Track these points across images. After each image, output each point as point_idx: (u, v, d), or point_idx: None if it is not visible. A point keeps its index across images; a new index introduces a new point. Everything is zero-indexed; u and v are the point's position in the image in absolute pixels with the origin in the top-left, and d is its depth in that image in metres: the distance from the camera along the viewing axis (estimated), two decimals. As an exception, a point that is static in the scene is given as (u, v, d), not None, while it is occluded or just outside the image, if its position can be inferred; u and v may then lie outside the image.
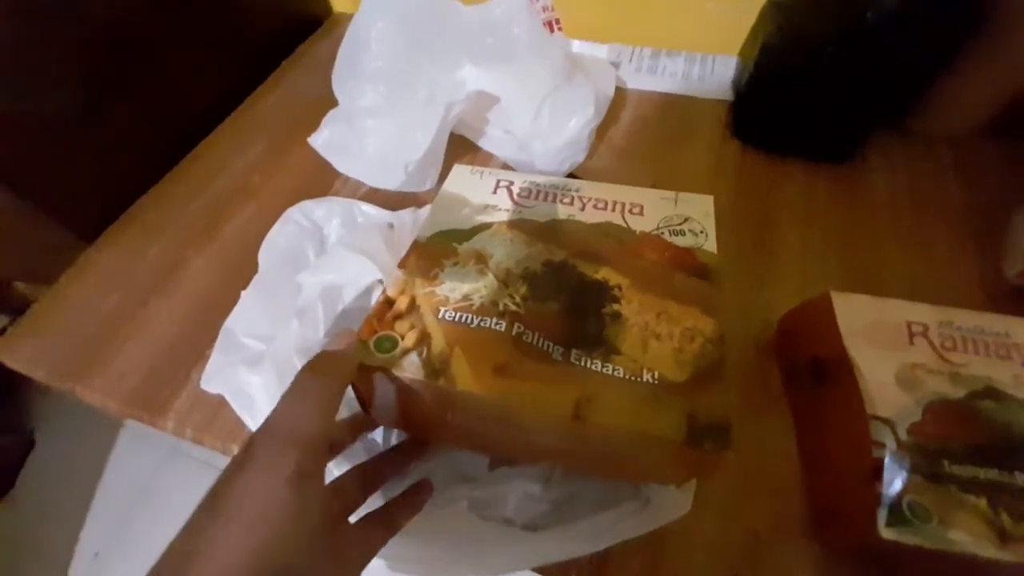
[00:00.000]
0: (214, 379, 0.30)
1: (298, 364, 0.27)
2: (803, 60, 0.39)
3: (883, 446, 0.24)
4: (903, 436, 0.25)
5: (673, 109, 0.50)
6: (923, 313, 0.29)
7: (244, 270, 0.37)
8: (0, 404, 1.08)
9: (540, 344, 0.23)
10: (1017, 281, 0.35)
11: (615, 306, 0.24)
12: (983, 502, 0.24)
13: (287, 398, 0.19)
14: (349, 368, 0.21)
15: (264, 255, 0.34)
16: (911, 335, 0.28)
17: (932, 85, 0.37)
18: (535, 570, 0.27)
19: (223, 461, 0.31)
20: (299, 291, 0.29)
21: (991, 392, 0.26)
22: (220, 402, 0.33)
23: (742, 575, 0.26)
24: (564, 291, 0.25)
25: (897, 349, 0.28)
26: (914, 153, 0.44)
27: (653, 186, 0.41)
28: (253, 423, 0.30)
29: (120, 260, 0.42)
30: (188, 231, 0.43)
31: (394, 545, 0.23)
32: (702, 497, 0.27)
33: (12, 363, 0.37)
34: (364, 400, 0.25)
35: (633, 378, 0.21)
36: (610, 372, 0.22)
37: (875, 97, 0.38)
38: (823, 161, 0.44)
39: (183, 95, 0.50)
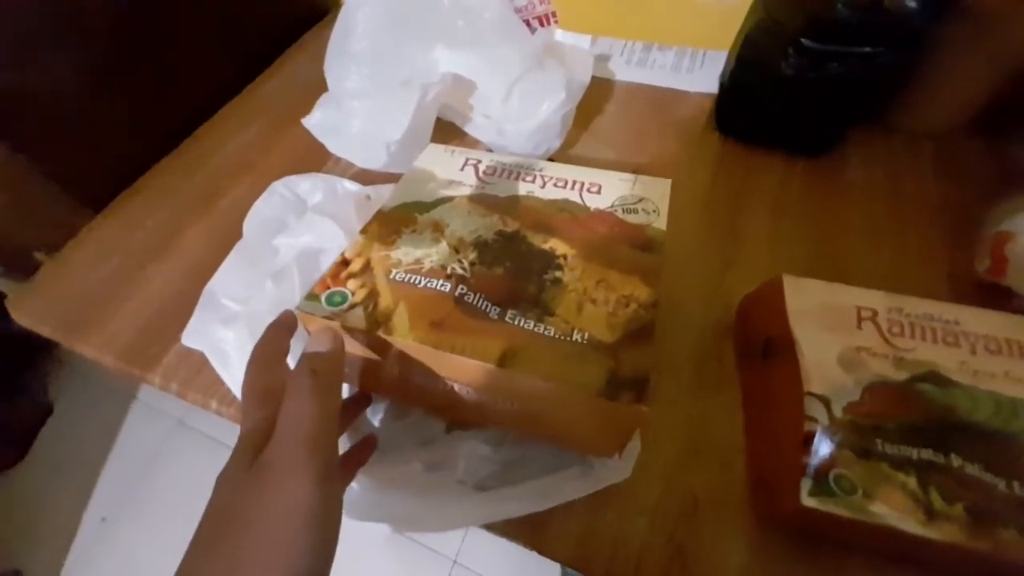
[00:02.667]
0: (193, 335, 0.32)
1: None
2: (781, 54, 0.40)
3: (815, 421, 0.25)
4: (838, 413, 0.25)
5: (659, 101, 0.51)
6: (874, 299, 0.29)
7: (234, 239, 0.39)
8: (21, 373, 1.13)
9: (479, 304, 0.24)
10: (985, 276, 0.35)
11: (557, 273, 0.25)
12: (912, 480, 0.24)
13: (292, 402, 0.19)
14: (340, 362, 0.22)
15: (248, 223, 0.36)
16: (859, 319, 0.29)
17: (909, 80, 0.37)
18: (485, 527, 0.29)
19: (227, 435, 0.33)
20: (276, 254, 0.31)
21: (934, 376, 0.26)
22: (203, 360, 0.35)
23: (677, 538, 0.27)
24: (511, 258, 0.26)
25: (844, 332, 0.28)
26: (894, 148, 0.44)
27: (631, 173, 0.43)
28: (227, 377, 0.32)
29: (122, 228, 0.45)
30: (186, 203, 0.46)
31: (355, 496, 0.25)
32: (649, 465, 0.28)
33: (19, 319, 0.40)
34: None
35: (563, 337, 0.23)
36: (541, 331, 0.23)
37: (851, 92, 0.38)
38: (800, 154, 0.44)
39: (191, 78, 0.53)
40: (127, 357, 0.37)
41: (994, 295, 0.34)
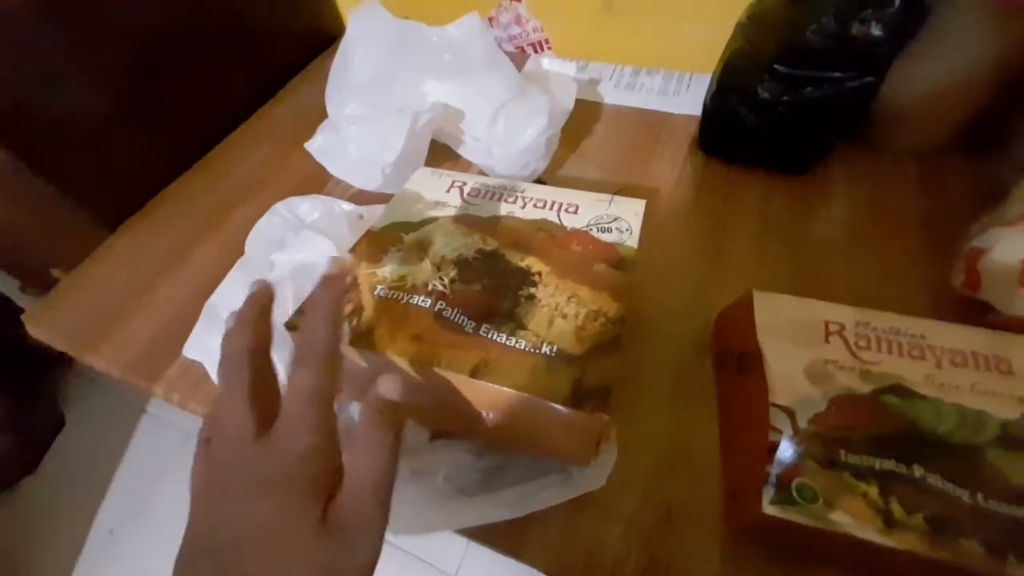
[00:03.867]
0: (194, 348, 0.34)
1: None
2: (757, 79, 0.42)
3: (779, 431, 0.26)
4: (803, 424, 0.26)
5: (646, 124, 0.53)
6: (842, 313, 0.30)
7: (240, 256, 0.42)
8: (36, 384, 1.17)
9: (456, 319, 0.26)
10: (962, 291, 0.36)
11: (531, 289, 0.27)
12: (874, 489, 0.25)
13: (371, 459, 0.18)
14: (332, 394, 0.20)
15: (250, 241, 0.39)
16: (827, 333, 0.30)
17: (873, 101, 0.39)
18: (464, 532, 0.30)
19: None
20: (272, 268, 0.33)
21: (899, 389, 0.27)
22: (204, 373, 0.37)
23: (651, 548, 0.28)
24: (489, 275, 0.28)
25: (811, 346, 0.29)
26: (878, 166, 0.45)
27: (615, 192, 0.44)
28: None
29: (135, 247, 0.48)
30: (196, 224, 0.49)
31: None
32: (627, 475, 0.29)
33: (35, 333, 0.43)
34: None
35: (533, 350, 0.24)
36: (512, 344, 0.24)
37: (824, 114, 0.40)
38: (782, 172, 0.45)
39: (204, 104, 0.56)
40: (133, 368, 0.39)
41: (971, 309, 0.34)
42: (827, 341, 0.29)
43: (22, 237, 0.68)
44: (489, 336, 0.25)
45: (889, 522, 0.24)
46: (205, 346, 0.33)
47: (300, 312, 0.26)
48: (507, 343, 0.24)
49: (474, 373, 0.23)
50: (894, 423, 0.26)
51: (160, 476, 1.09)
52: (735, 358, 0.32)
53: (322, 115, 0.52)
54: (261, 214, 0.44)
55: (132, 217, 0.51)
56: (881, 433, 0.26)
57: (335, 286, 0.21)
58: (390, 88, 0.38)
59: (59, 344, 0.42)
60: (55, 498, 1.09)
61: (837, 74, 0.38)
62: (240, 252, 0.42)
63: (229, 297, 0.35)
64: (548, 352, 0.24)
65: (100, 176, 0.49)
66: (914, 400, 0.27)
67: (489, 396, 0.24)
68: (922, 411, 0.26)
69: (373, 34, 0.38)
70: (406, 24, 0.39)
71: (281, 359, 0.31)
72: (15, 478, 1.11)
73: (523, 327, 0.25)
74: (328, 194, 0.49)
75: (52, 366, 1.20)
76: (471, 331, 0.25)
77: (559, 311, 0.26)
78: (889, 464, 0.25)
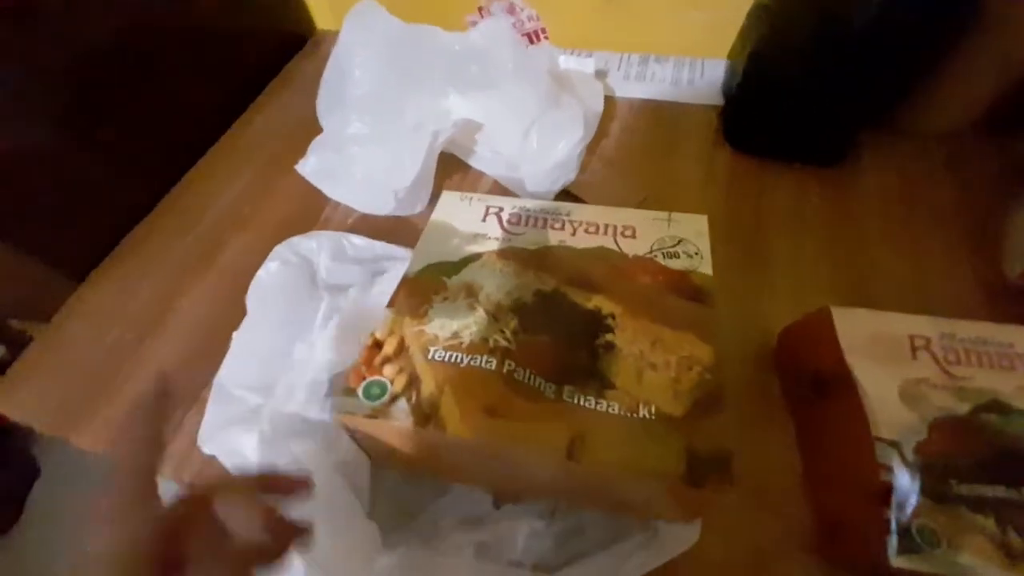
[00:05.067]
0: (209, 440, 0.30)
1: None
2: (790, 65, 0.39)
3: (890, 469, 0.24)
4: (910, 456, 0.24)
5: (663, 116, 0.50)
6: (924, 326, 0.28)
7: (238, 304, 0.36)
8: (8, 435, 1.07)
9: (531, 381, 0.22)
10: (1019, 282, 0.35)
11: (608, 336, 0.24)
12: (991, 521, 0.23)
13: None
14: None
15: (252, 298, 0.34)
16: (913, 349, 0.28)
17: (920, 85, 0.37)
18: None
19: None
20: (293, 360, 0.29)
21: (996, 405, 0.25)
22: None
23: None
24: (555, 322, 0.25)
25: (900, 364, 0.27)
26: (905, 152, 0.44)
27: (645, 198, 0.41)
28: None
29: (113, 297, 0.42)
30: (180, 266, 0.43)
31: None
32: (707, 519, 0.27)
33: (12, 413, 0.37)
34: (362, 445, 0.25)
35: (629, 414, 0.21)
36: (604, 409, 0.21)
37: (862, 99, 0.38)
38: (814, 164, 0.43)
39: (170, 120, 0.49)
40: (132, 446, 0.34)
41: (1029, 299, 0.33)
42: (914, 357, 0.27)
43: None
44: (575, 400, 0.21)
45: (1011, 554, 0.22)
46: (222, 439, 0.29)
47: (347, 392, 0.22)
48: (598, 408, 0.21)
49: (570, 452, 0.20)
50: (996, 443, 0.25)
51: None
52: (809, 379, 0.30)
53: (307, 128, 0.46)
54: (255, 249, 0.39)
55: (103, 263, 0.44)
56: (985, 456, 0.25)
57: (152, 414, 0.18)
58: (401, 101, 0.33)
59: (38, 425, 0.36)
60: (44, 550, 1.02)
61: (880, 62, 0.35)
62: (237, 296, 0.37)
63: (238, 371, 0.30)
64: (647, 415, 0.21)
65: (56, 221, 0.42)
66: (1012, 416, 0.25)
67: (585, 473, 0.20)
68: (1022, 427, 0.25)
69: (373, 39, 0.33)
70: (416, 29, 0.33)
71: (305, 452, 0.27)
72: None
73: (611, 385, 0.22)
74: (327, 221, 0.44)
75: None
76: (551, 396, 0.22)
77: (646, 361, 0.23)
78: (999, 490, 0.24)
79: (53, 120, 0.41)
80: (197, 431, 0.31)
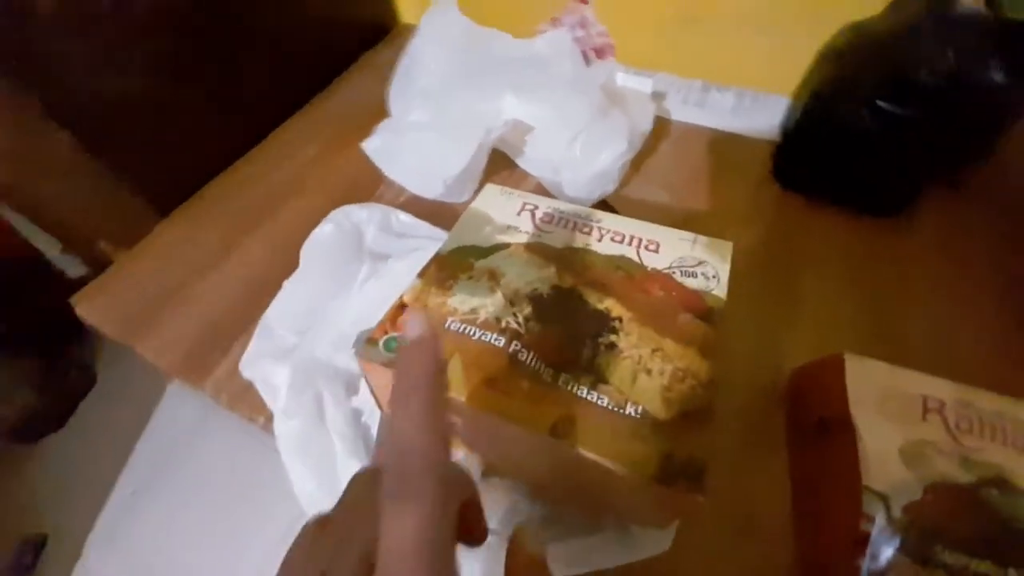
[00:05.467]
0: (249, 367, 0.33)
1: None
2: (853, 110, 0.39)
3: (872, 520, 0.24)
4: (897, 513, 0.24)
5: (716, 145, 0.50)
6: (942, 389, 0.28)
7: (290, 257, 0.41)
8: (70, 341, 1.20)
9: (533, 364, 0.24)
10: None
11: (612, 337, 0.25)
12: (971, 594, 0.23)
13: (388, 544, 0.13)
14: (449, 537, 0.14)
15: (306, 252, 0.38)
16: (925, 410, 0.27)
17: (992, 148, 0.36)
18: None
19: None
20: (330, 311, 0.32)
21: (1001, 482, 0.25)
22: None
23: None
24: (565, 316, 0.26)
25: (907, 422, 0.27)
26: (970, 215, 0.42)
27: (683, 220, 0.42)
28: (273, 407, 0.33)
29: (186, 235, 0.48)
30: (246, 216, 0.48)
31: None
32: (687, 539, 0.27)
33: (85, 316, 0.43)
34: (375, 395, 0.28)
35: (616, 409, 0.22)
36: (594, 400, 0.23)
37: (926, 155, 0.37)
38: (867, 212, 0.42)
39: (257, 92, 0.55)
40: (181, 365, 0.39)
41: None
42: (924, 419, 0.27)
43: (75, 212, 0.69)
44: (569, 388, 0.23)
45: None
46: (259, 366, 0.32)
47: (370, 342, 0.25)
48: (588, 398, 0.23)
49: (554, 431, 0.22)
50: (992, 519, 0.24)
51: (184, 441, 1.11)
52: (814, 421, 0.30)
53: (376, 112, 0.50)
54: (311, 212, 0.43)
55: (183, 204, 0.50)
56: (979, 530, 0.24)
57: (427, 352, 0.16)
58: (461, 97, 0.36)
59: (108, 331, 0.42)
60: (80, 456, 1.12)
61: (948, 118, 0.34)
62: (290, 252, 0.41)
63: (283, 314, 0.34)
64: (633, 413, 0.22)
65: (154, 161, 0.48)
66: (1015, 496, 0.24)
67: (566, 455, 0.22)
68: (1021, 509, 0.24)
69: (446, 37, 0.36)
70: (487, 32, 0.36)
71: (331, 393, 0.30)
72: (45, 433, 1.15)
73: (605, 380, 0.23)
74: (380, 196, 0.48)
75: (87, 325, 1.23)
76: (549, 380, 0.23)
77: (643, 365, 0.24)
78: (985, 565, 0.23)
79: (159, 73, 0.46)
80: (240, 358, 0.35)
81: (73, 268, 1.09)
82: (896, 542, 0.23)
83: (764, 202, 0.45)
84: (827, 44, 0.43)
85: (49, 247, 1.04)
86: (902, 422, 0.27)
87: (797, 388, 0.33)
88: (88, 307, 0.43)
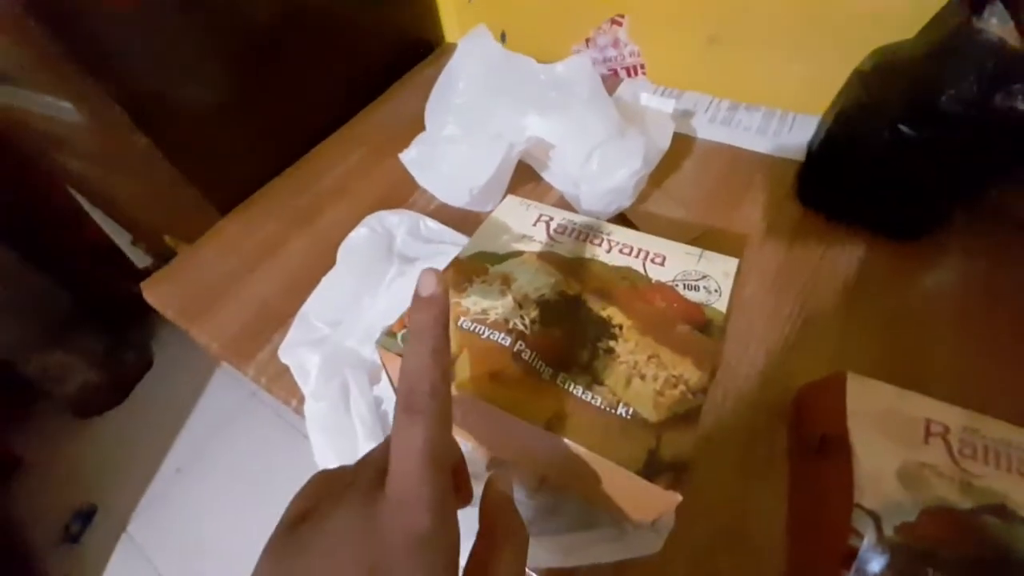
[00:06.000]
0: (286, 352, 0.37)
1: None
2: (877, 133, 0.39)
3: (860, 537, 0.24)
4: (888, 532, 0.24)
5: (739, 163, 0.51)
6: (948, 414, 0.28)
7: (329, 256, 0.44)
8: (130, 326, 1.31)
9: (534, 362, 0.26)
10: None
11: (611, 342, 0.27)
12: (961, 619, 0.23)
13: (397, 454, 0.16)
14: (448, 453, 0.17)
15: (342, 253, 0.41)
16: (928, 433, 0.27)
17: (1018, 174, 0.35)
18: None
19: (289, 414, 0.36)
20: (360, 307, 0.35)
21: (1002, 510, 0.24)
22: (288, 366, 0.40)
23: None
24: (568, 320, 0.28)
25: (908, 444, 0.27)
26: (1000, 240, 0.41)
27: (698, 237, 0.43)
28: (307, 391, 0.36)
29: (242, 232, 0.53)
30: (293, 218, 0.53)
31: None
32: (680, 544, 0.28)
33: (151, 301, 0.48)
34: (393, 384, 0.31)
35: (608, 409, 0.24)
36: (588, 399, 0.24)
37: (950, 180, 0.36)
38: (889, 235, 0.42)
39: (310, 105, 0.60)
40: (230, 348, 0.43)
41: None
42: (926, 442, 0.27)
43: (146, 208, 0.77)
44: (565, 386, 0.25)
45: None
46: (295, 353, 0.36)
47: (390, 334, 0.28)
48: (583, 397, 0.25)
49: (549, 424, 0.23)
50: (989, 546, 0.24)
51: (226, 426, 1.19)
52: (816, 440, 0.31)
53: (417, 125, 0.54)
54: (350, 216, 0.47)
55: (240, 205, 0.56)
56: (974, 556, 0.24)
57: (438, 306, 0.18)
58: (490, 114, 0.39)
59: (169, 314, 0.47)
60: (132, 433, 1.22)
61: (973, 144, 0.34)
62: (328, 252, 0.45)
63: (320, 309, 0.39)
64: (624, 413, 0.24)
65: (219, 164, 0.54)
66: (1015, 525, 0.24)
67: (559, 448, 0.24)
68: (1021, 539, 0.24)
69: (480, 60, 0.40)
70: (514, 57, 0.39)
71: (356, 380, 0.34)
72: (102, 409, 1.26)
73: (600, 382, 0.25)
74: (413, 203, 0.51)
75: (148, 312, 1.35)
76: (548, 378, 0.25)
77: (638, 371, 0.26)
78: (980, 592, 0.23)
79: (230, 82, 0.52)
80: (280, 345, 0.39)
81: (140, 259, 1.21)
82: (884, 561, 0.24)
83: (784, 221, 0.45)
84: (856, 67, 0.43)
85: (121, 238, 1.16)
86: (902, 443, 0.27)
87: (801, 406, 0.33)
88: (154, 293, 0.49)
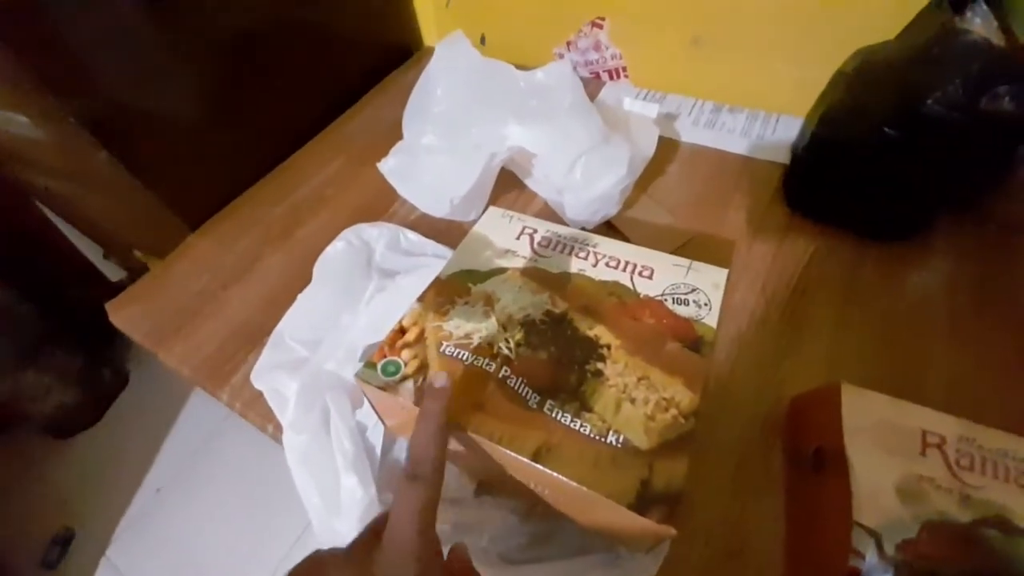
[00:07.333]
0: (259, 377, 0.35)
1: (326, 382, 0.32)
2: (861, 136, 0.38)
3: (862, 557, 0.24)
4: (889, 551, 0.24)
5: (724, 166, 0.50)
6: (944, 424, 0.27)
7: (306, 272, 0.43)
8: (105, 342, 1.26)
9: (520, 389, 0.25)
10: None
11: (599, 364, 0.26)
12: (965, 638, 0.22)
13: (397, 510, 0.20)
14: (435, 511, 0.21)
15: (318, 269, 0.40)
16: (925, 445, 0.27)
17: (1002, 176, 0.35)
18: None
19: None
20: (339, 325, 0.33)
21: (1001, 522, 0.24)
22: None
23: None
24: (556, 342, 0.27)
25: (905, 457, 0.26)
26: (988, 241, 0.41)
27: (686, 243, 0.42)
28: (282, 418, 0.35)
29: (214, 247, 0.51)
30: (269, 232, 0.50)
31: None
32: (677, 564, 0.28)
33: (117, 323, 0.46)
34: (379, 414, 0.29)
35: (598, 437, 0.23)
36: (577, 427, 0.23)
37: (936, 182, 0.36)
38: (876, 237, 0.41)
39: (284, 113, 0.58)
40: (201, 372, 0.41)
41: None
42: (924, 454, 0.26)
43: (114, 223, 0.74)
44: (553, 415, 0.24)
45: None
46: (270, 378, 0.34)
47: (369, 365, 0.26)
48: (571, 425, 0.23)
49: (536, 456, 0.22)
50: (991, 560, 0.23)
51: (208, 443, 1.16)
52: (810, 453, 0.30)
53: (395, 133, 0.52)
54: (329, 229, 0.45)
55: (211, 219, 0.53)
56: (976, 571, 0.23)
57: (446, 396, 0.23)
58: (469, 123, 0.38)
59: (137, 337, 0.45)
60: (111, 452, 1.17)
61: (957, 146, 0.34)
62: (306, 267, 0.43)
63: (295, 326, 0.36)
64: (614, 442, 0.23)
65: (187, 177, 0.52)
66: (1016, 537, 0.24)
67: (548, 479, 0.23)
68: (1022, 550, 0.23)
69: (458, 67, 0.38)
70: (493, 64, 0.38)
71: (337, 407, 0.32)
72: (78, 429, 1.21)
73: (588, 408, 0.24)
74: (393, 214, 0.50)
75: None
76: (535, 406, 0.24)
77: (627, 394, 0.25)
78: (983, 610, 0.23)
79: (200, 94, 0.50)
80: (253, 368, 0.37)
81: (113, 272, 1.16)
82: (885, 581, 0.23)
83: (771, 224, 0.44)
84: (838, 69, 0.43)
85: (93, 252, 1.11)
86: (900, 456, 0.26)
87: (794, 417, 0.33)
88: (120, 315, 0.46)
